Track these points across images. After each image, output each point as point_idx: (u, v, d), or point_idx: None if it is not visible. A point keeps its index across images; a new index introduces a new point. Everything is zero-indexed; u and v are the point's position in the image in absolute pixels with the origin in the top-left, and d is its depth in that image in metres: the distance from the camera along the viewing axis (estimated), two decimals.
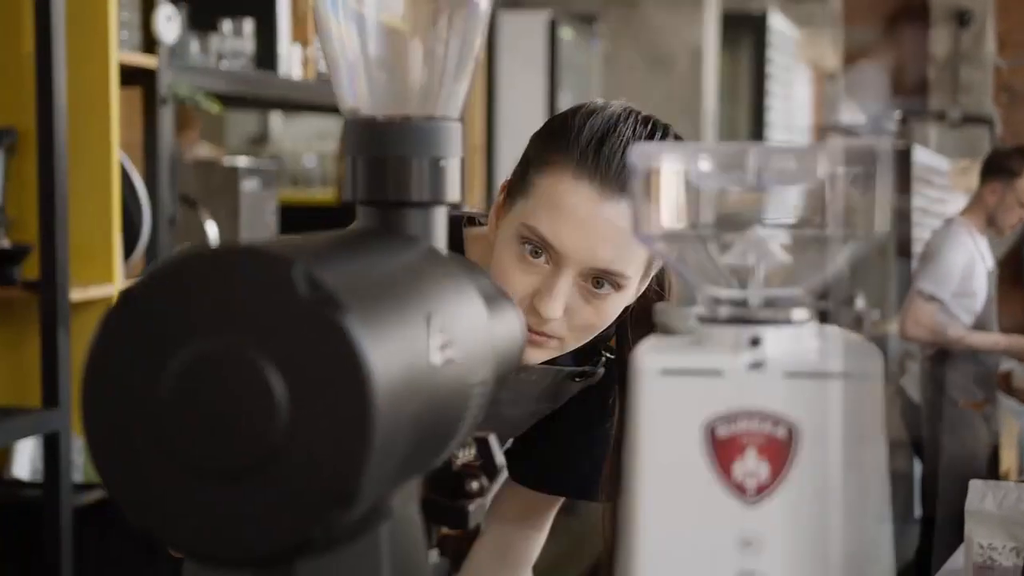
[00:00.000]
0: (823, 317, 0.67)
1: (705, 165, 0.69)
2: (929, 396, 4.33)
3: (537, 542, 1.54)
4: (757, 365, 0.67)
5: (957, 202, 8.48)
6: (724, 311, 0.71)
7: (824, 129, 8.91)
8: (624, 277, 1.23)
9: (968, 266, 4.05)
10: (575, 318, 1.25)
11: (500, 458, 0.87)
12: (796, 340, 0.69)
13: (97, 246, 2.51)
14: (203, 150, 4.40)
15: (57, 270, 2.35)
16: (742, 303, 0.70)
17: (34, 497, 2.52)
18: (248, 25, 3.10)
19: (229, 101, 3.26)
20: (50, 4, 2.38)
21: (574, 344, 1.29)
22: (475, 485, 0.85)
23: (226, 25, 3.09)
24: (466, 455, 0.88)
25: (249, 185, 3.12)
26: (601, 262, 1.22)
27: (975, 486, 1.83)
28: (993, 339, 4.15)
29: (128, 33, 2.68)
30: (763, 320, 0.69)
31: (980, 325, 4.15)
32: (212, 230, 3.00)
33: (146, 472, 0.63)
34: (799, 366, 0.67)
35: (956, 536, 1.96)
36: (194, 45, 3.00)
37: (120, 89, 2.59)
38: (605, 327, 1.29)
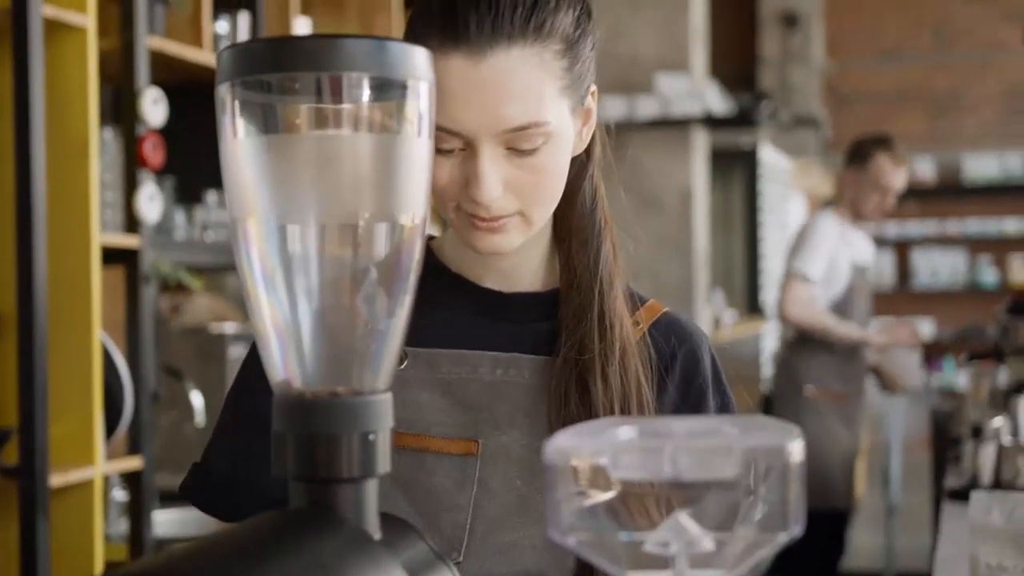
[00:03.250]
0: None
1: (623, 459, 0.69)
2: (779, 383, 4.31)
3: None
4: None
5: (797, 201, 8.53)
6: None
7: None
8: (544, 123, 1.13)
9: (833, 253, 4.10)
10: (519, 188, 1.15)
11: None
12: None
13: (78, 429, 2.50)
14: (204, 301, 4.41)
15: (36, 456, 2.35)
16: None
17: None
18: None
19: (216, 270, 3.29)
20: (31, 186, 2.41)
21: (540, 215, 1.19)
22: None
23: (210, 196, 3.13)
24: None
25: (236, 352, 3.13)
26: (509, 121, 1.12)
27: (978, 498, 1.65)
28: (858, 332, 4.13)
29: (111, 213, 2.71)
30: None
31: (837, 315, 4.16)
32: (197, 400, 3.00)
33: None
34: None
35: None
36: (179, 217, 3.04)
37: (103, 268, 2.61)
38: (560, 182, 1.18)
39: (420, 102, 0.80)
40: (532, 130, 1.13)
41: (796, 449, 0.68)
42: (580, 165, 1.27)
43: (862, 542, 6.50)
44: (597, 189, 1.30)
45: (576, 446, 0.70)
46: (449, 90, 1.10)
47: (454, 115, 1.11)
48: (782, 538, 0.70)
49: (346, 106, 0.75)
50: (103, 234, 2.62)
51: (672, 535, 0.71)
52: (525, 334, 1.27)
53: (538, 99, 1.13)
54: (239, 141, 0.78)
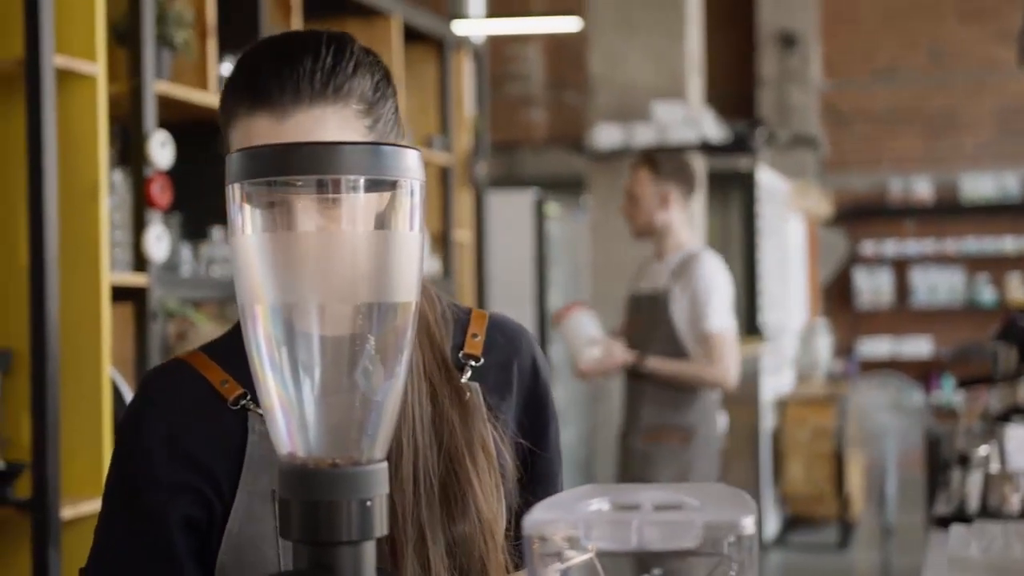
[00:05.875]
0: None
1: (595, 531, 0.77)
2: None
3: None
4: None
5: (796, 221, 8.61)
6: None
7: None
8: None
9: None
10: None
11: None
12: None
13: (89, 462, 2.58)
14: (208, 329, 4.46)
15: (48, 489, 2.43)
16: None
17: None
18: None
19: (223, 302, 3.37)
20: (44, 228, 2.50)
21: None
22: None
23: (216, 232, 3.21)
24: None
25: None
26: None
27: (957, 532, 1.72)
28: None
29: (121, 252, 2.80)
30: None
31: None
32: None
33: None
34: None
35: None
36: (186, 252, 3.12)
37: (112, 305, 2.70)
38: None
39: (412, 199, 0.87)
40: None
41: (749, 523, 0.75)
42: None
43: (860, 561, 6.56)
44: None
45: (552, 519, 0.77)
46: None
47: None
48: None
49: (344, 205, 0.83)
50: (112, 273, 2.71)
51: None
52: None
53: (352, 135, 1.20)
54: (247, 236, 0.86)
